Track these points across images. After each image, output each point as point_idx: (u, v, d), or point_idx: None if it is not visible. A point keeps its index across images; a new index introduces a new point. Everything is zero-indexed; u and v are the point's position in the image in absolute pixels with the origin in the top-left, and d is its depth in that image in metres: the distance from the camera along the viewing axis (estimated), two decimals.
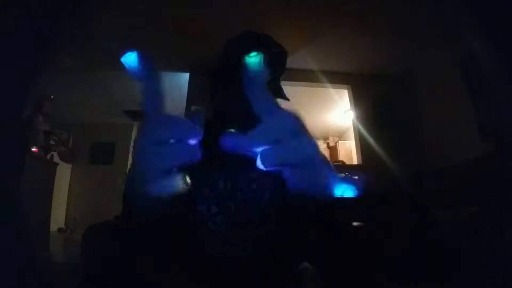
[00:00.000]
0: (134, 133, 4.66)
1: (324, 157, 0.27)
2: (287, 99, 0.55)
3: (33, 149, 2.28)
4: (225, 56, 0.56)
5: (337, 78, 3.11)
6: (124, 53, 0.26)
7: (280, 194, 0.53)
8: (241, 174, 0.54)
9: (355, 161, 3.17)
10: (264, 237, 0.52)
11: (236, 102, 0.51)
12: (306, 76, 3.07)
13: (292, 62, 2.89)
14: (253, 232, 0.52)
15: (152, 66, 0.26)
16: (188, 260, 0.52)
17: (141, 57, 0.26)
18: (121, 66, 0.26)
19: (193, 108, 2.78)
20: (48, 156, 2.56)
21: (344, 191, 0.25)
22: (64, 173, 4.05)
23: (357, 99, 3.10)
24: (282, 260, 0.53)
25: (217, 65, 0.58)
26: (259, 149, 0.25)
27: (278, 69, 0.56)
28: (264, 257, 0.51)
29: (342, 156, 4.52)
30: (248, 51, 0.52)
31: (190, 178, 0.26)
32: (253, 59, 0.28)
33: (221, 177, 0.53)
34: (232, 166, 0.53)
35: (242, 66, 0.50)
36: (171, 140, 0.25)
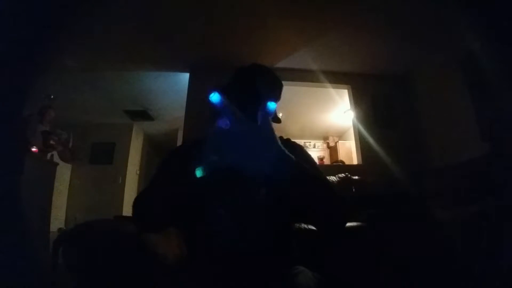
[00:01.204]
0: (134, 133, 4.66)
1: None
2: (280, 122, 0.68)
3: (33, 149, 2.28)
4: (235, 80, 0.66)
5: (337, 78, 3.11)
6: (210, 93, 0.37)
7: (274, 194, 0.54)
8: (239, 175, 0.55)
9: (355, 161, 3.17)
10: (258, 237, 0.53)
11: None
12: (306, 76, 3.07)
13: (292, 62, 2.90)
14: (248, 232, 0.53)
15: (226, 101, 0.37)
16: (187, 255, 0.53)
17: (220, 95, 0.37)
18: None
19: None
20: (48, 156, 2.56)
21: None
22: (64, 173, 4.06)
23: (357, 99, 3.10)
24: (276, 263, 0.53)
25: (227, 85, 0.66)
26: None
27: (277, 99, 0.69)
28: (258, 259, 0.52)
29: (342, 156, 4.52)
30: (256, 81, 0.63)
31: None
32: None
33: (223, 179, 0.55)
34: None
35: (250, 92, 0.60)
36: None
